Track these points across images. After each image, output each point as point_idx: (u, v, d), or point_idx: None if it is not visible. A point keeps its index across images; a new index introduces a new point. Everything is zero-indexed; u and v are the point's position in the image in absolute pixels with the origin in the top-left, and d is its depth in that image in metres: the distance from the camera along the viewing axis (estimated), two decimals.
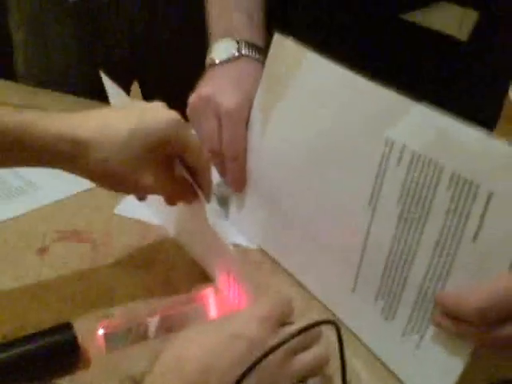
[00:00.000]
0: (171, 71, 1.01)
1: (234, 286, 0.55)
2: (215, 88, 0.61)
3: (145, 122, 0.49)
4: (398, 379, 0.50)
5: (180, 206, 0.57)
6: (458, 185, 0.42)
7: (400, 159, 0.45)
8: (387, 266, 0.49)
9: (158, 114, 0.50)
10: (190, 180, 0.54)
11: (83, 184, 0.74)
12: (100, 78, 0.76)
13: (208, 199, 0.55)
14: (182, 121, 0.51)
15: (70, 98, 0.97)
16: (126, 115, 0.50)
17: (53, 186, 0.75)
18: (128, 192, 0.55)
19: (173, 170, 0.54)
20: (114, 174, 0.49)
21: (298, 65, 0.55)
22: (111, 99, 0.68)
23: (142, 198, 0.56)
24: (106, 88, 0.68)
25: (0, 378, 0.45)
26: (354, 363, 0.51)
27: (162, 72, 1.02)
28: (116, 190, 0.53)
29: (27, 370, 0.46)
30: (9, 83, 1.05)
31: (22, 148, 0.47)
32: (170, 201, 0.55)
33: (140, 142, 0.49)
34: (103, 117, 0.50)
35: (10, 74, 1.07)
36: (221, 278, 0.57)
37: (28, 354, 0.46)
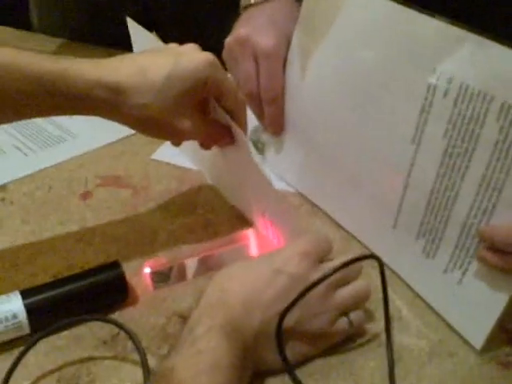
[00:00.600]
0: (187, 22, 0.98)
1: (273, 226, 0.56)
2: (251, 29, 0.60)
3: (181, 65, 0.48)
4: (439, 316, 0.51)
5: (215, 152, 0.57)
6: (509, 115, 0.41)
7: (447, 92, 0.44)
8: (429, 204, 0.49)
9: (194, 56, 0.49)
10: (229, 121, 0.53)
11: (119, 132, 0.76)
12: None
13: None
14: (218, 62, 0.51)
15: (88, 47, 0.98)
16: (161, 59, 0.49)
17: (90, 134, 0.76)
18: (165, 137, 0.54)
19: (207, 113, 0.54)
20: (151, 119, 0.49)
21: (339, 0, 0.53)
22: (135, 47, 0.68)
23: (177, 144, 0.56)
24: (132, 35, 0.67)
25: (53, 312, 0.47)
26: (395, 300, 0.52)
27: (179, 24, 1.00)
28: (153, 136, 0.53)
29: (79, 305, 0.48)
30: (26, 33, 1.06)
31: (59, 95, 0.46)
32: (206, 145, 0.55)
33: (178, 85, 0.48)
34: (139, 61, 0.49)
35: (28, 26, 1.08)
36: (259, 219, 0.58)
37: (79, 290, 0.48)
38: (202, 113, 0.53)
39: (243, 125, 0.54)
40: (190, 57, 0.49)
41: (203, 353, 0.39)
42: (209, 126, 0.53)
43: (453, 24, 0.44)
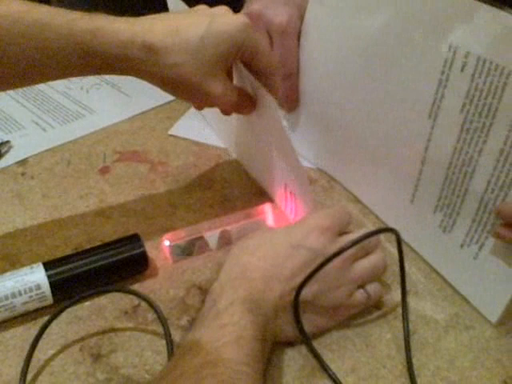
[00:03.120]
0: None
1: (291, 201, 0.56)
2: (264, 4, 0.60)
3: (217, 26, 0.47)
4: (456, 290, 0.51)
5: (240, 124, 0.56)
6: None
7: (464, 66, 0.44)
8: (447, 178, 0.49)
9: (230, 18, 0.48)
10: (257, 85, 0.51)
11: (136, 108, 0.77)
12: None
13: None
14: (251, 24, 0.49)
15: None
16: (195, 19, 0.48)
17: (107, 110, 0.77)
18: (194, 100, 0.53)
19: (232, 79, 0.53)
20: (184, 80, 0.48)
21: None
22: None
23: (200, 108, 0.55)
24: (169, 6, 0.67)
25: (75, 284, 0.48)
26: (411, 274, 0.53)
27: None
28: (182, 98, 0.52)
29: (99, 277, 0.49)
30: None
31: (93, 55, 0.46)
32: (227, 112, 0.54)
33: (212, 47, 0.47)
34: (173, 21, 0.48)
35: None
36: (279, 191, 0.58)
37: (100, 262, 0.49)
38: (230, 78, 0.52)
39: (278, 85, 0.53)
40: (226, 19, 0.48)
41: (227, 326, 0.40)
42: (236, 92, 0.51)
43: None
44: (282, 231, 0.49)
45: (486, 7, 0.42)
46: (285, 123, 0.49)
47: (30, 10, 0.44)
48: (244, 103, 0.53)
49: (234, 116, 0.58)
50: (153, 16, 0.48)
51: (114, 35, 0.45)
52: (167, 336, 0.44)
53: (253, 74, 0.51)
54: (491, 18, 0.42)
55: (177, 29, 0.47)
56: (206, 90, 0.48)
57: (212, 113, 0.58)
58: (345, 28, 0.55)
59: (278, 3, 0.59)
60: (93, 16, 0.46)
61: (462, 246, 0.50)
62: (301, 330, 0.44)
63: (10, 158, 0.67)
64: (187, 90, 0.49)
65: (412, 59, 0.49)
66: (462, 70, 0.44)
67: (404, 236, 0.55)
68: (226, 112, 0.54)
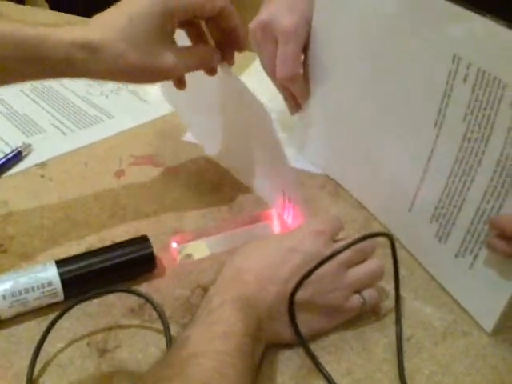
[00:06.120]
0: None
1: (290, 207, 0.58)
2: (272, 13, 0.61)
3: (138, 3, 0.47)
4: (454, 298, 0.52)
5: (231, 135, 0.57)
6: None
7: (466, 77, 0.45)
8: (446, 188, 0.50)
9: None
10: (244, 88, 0.52)
11: (152, 114, 0.79)
12: None
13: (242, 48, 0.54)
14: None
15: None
16: (121, 5, 0.49)
17: (125, 115, 0.80)
18: (153, 81, 0.52)
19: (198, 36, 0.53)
20: (133, 67, 0.48)
21: None
22: None
23: (179, 86, 0.55)
24: None
25: (85, 281, 0.50)
26: (412, 281, 0.54)
27: None
28: (142, 83, 0.52)
29: (109, 275, 0.51)
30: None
31: (40, 60, 0.47)
32: (209, 71, 0.54)
33: (143, 24, 0.47)
34: (106, 14, 0.49)
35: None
36: (278, 198, 0.59)
37: (110, 261, 0.51)
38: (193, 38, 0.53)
39: (242, 39, 0.54)
40: None
41: (217, 323, 0.41)
42: (189, 53, 0.51)
43: (465, 7, 0.44)
44: (279, 237, 0.51)
45: (484, 20, 0.43)
46: (277, 136, 0.51)
47: None
48: (207, 56, 0.52)
49: (223, 125, 0.59)
50: (95, 16, 0.49)
51: (57, 40, 0.46)
52: (167, 334, 0.46)
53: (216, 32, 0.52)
54: (489, 30, 0.43)
55: (109, 20, 0.48)
56: (159, 67, 0.49)
57: (201, 125, 0.59)
58: (351, 34, 0.56)
59: (283, 11, 0.60)
60: (40, 25, 0.47)
61: (456, 255, 0.50)
62: (296, 331, 0.46)
63: (30, 160, 0.70)
64: (141, 75, 0.49)
65: (419, 69, 0.50)
66: (465, 80, 0.46)
67: (404, 243, 0.56)
68: (208, 72, 0.54)
